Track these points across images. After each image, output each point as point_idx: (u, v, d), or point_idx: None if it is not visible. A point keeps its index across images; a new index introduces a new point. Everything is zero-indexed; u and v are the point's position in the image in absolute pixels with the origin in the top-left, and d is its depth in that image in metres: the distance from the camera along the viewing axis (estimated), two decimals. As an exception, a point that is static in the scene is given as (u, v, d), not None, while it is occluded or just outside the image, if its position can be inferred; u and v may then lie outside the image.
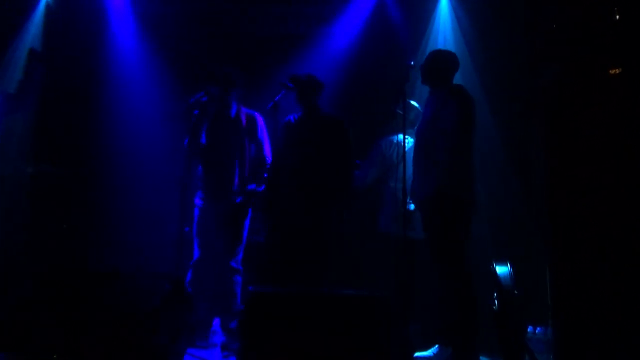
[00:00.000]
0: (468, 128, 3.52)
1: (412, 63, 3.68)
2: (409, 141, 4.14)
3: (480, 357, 3.47)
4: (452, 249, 3.41)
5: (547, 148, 3.47)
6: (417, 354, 3.64)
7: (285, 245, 3.76)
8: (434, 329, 3.82)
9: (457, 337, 3.38)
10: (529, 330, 3.78)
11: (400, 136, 3.88)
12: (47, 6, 5.81)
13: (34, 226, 5.09)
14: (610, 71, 3.26)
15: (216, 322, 3.89)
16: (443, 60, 3.70)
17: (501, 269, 3.52)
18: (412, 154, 3.76)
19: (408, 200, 3.69)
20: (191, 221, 3.87)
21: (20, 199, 5.21)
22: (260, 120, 4.00)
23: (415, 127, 3.90)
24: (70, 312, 2.76)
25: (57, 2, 5.80)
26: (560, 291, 3.39)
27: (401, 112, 3.67)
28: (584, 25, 3.39)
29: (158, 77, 5.55)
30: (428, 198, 3.49)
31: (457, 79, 3.79)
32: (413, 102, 4.30)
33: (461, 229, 3.46)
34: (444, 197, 3.41)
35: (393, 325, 2.83)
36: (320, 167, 3.80)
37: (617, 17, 3.27)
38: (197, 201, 3.88)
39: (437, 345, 3.73)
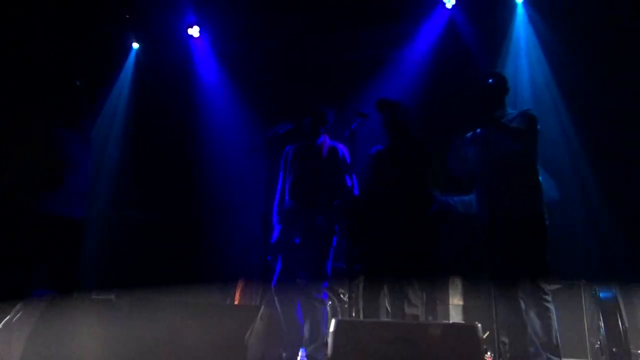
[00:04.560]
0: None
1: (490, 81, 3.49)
2: None
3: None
4: None
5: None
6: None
7: (374, 272, 3.70)
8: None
9: None
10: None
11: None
12: (137, 55, 6.29)
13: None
14: None
15: (303, 352, 3.89)
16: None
17: (606, 295, 3.23)
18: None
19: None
20: (276, 251, 3.89)
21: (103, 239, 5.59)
22: (343, 151, 4.01)
23: None
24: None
25: (144, 49, 6.26)
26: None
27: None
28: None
29: (242, 112, 5.83)
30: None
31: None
32: None
33: None
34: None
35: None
36: (403, 194, 3.70)
37: None
38: (281, 232, 3.90)
39: None
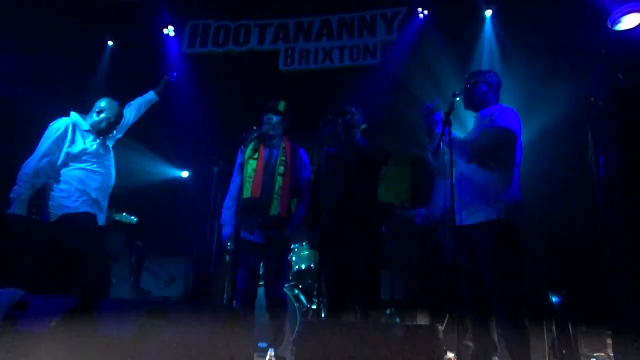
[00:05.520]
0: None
1: (457, 92, 3.50)
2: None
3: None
4: None
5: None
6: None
7: (334, 274, 3.77)
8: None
9: None
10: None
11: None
12: (112, 50, 6.28)
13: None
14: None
15: (271, 351, 3.95)
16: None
17: (556, 298, 3.41)
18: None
19: None
20: (234, 253, 3.80)
21: None
22: (304, 156, 4.04)
23: None
24: None
25: (119, 46, 6.25)
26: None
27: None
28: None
29: (208, 116, 5.91)
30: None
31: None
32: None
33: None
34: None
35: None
36: (357, 200, 3.71)
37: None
38: (242, 234, 3.75)
39: None
